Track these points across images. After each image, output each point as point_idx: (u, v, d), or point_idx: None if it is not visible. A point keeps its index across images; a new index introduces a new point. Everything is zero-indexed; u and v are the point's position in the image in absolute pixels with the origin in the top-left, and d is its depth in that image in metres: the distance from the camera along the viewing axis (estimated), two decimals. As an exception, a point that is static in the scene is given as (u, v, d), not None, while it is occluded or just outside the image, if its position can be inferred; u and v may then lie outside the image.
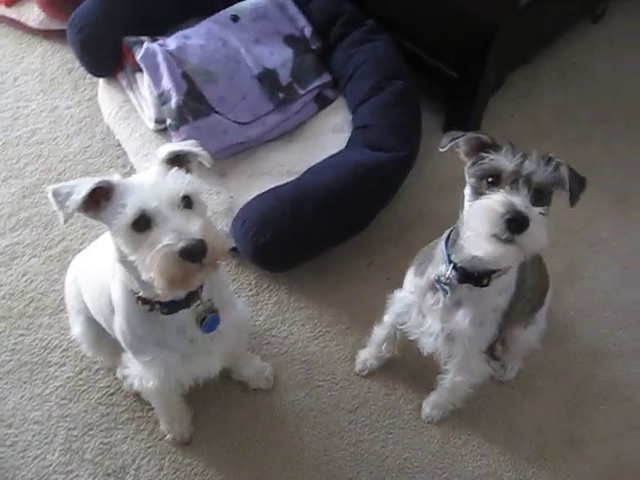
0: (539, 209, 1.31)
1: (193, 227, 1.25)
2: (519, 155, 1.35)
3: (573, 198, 1.40)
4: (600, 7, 3.23)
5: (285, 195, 2.17)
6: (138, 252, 1.27)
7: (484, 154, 1.39)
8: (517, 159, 1.34)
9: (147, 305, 1.45)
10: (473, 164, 1.43)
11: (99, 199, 1.30)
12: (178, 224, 1.24)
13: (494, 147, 1.40)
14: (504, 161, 1.35)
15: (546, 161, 1.36)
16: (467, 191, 1.44)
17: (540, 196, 1.35)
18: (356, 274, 2.36)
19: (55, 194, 1.28)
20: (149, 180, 1.32)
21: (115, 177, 1.32)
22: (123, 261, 1.35)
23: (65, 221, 1.28)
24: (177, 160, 1.42)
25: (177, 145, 1.44)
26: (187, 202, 1.31)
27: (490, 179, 1.37)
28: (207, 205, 1.43)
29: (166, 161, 1.39)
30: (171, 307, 1.46)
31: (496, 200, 1.31)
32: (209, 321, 1.53)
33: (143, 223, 1.26)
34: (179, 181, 1.31)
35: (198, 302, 1.49)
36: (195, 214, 1.31)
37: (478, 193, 1.39)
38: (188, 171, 1.43)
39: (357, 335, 2.23)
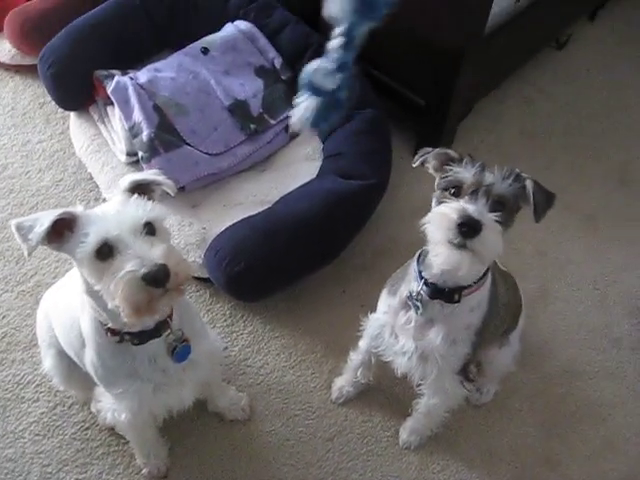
0: (494, 216, 1.34)
1: (155, 252, 1.25)
2: (477, 165, 1.40)
3: (537, 213, 1.43)
4: (565, 34, 3.31)
5: (257, 225, 2.17)
6: (102, 281, 1.27)
7: (448, 167, 1.43)
8: (476, 169, 1.39)
9: (117, 336, 1.44)
10: (441, 178, 1.47)
11: (63, 231, 1.31)
12: (140, 250, 1.25)
13: (461, 162, 1.44)
14: (465, 173, 1.40)
15: (508, 175, 1.40)
16: (433, 203, 1.48)
17: (500, 207, 1.38)
18: (330, 302, 2.37)
19: (18, 228, 1.29)
20: (111, 209, 1.32)
21: (78, 208, 1.33)
22: (90, 292, 1.35)
23: (29, 254, 1.29)
24: (140, 190, 1.43)
25: (139, 174, 1.45)
26: (150, 229, 1.32)
27: (452, 190, 1.42)
28: (170, 232, 1.44)
29: (129, 190, 1.40)
30: (141, 337, 1.45)
31: (450, 207, 1.35)
32: (180, 350, 1.52)
33: (106, 251, 1.26)
34: (140, 208, 1.32)
35: (168, 331, 1.49)
36: (158, 240, 1.31)
37: (441, 203, 1.43)
38: (151, 200, 1.43)
39: (332, 363, 2.23)
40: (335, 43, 0.85)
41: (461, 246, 1.33)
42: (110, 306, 1.30)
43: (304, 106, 0.90)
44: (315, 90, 0.86)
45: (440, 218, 1.36)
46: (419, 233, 1.43)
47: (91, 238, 1.26)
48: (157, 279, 1.23)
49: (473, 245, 1.32)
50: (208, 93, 2.50)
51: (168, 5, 2.72)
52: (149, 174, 1.47)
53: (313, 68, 0.85)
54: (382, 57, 2.68)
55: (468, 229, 1.31)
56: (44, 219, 1.28)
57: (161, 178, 1.46)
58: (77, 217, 1.30)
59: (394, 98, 2.70)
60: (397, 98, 2.70)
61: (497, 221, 1.35)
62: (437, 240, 1.38)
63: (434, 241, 1.40)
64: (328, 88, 0.84)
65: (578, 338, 2.37)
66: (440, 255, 1.40)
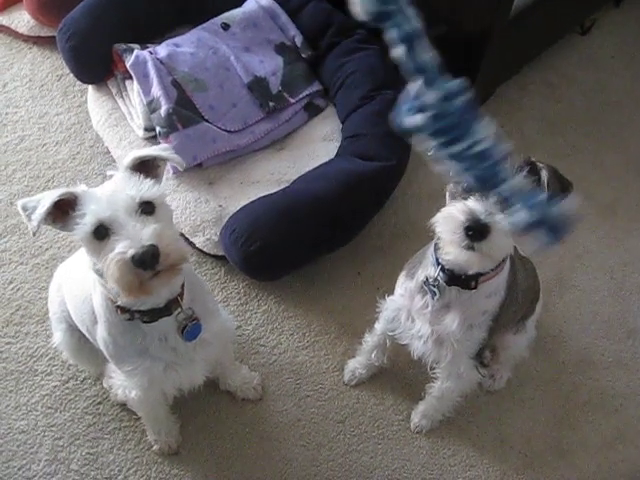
0: (505, 216, 1.32)
1: (145, 233, 1.23)
2: None
3: None
4: (589, 19, 3.25)
5: (274, 204, 2.16)
6: (101, 260, 1.27)
7: None
8: None
9: (126, 314, 1.44)
10: None
11: (67, 210, 1.30)
12: (132, 231, 1.24)
13: None
14: None
15: (522, 167, 1.38)
16: (446, 196, 1.46)
17: None
18: (345, 283, 2.36)
19: (24, 208, 1.30)
20: (108, 189, 1.32)
21: (80, 188, 1.32)
22: (95, 270, 1.34)
23: (34, 234, 1.30)
24: (145, 166, 1.41)
25: (143, 151, 1.42)
26: (148, 208, 1.30)
27: (465, 184, 1.39)
28: (172, 210, 1.42)
29: (132, 168, 1.38)
30: (151, 315, 1.45)
31: (458, 208, 1.34)
32: (190, 329, 1.52)
33: (103, 231, 1.25)
34: (135, 187, 1.30)
35: (179, 310, 1.48)
36: (153, 219, 1.30)
37: (454, 197, 1.42)
38: (157, 177, 1.42)
39: (346, 345, 2.23)
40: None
41: (469, 248, 1.33)
42: (108, 286, 1.30)
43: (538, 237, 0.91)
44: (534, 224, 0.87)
45: (448, 220, 1.35)
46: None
47: (87, 219, 1.25)
48: (145, 261, 1.22)
49: (481, 247, 1.32)
50: (227, 69, 2.48)
51: (189, -21, 2.69)
52: (153, 149, 1.45)
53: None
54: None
55: (475, 232, 1.30)
56: (46, 200, 1.28)
57: (166, 153, 1.44)
58: (78, 197, 1.30)
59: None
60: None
61: None
62: (446, 241, 1.38)
63: (444, 241, 1.40)
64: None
65: (593, 328, 2.36)
66: (449, 254, 1.41)
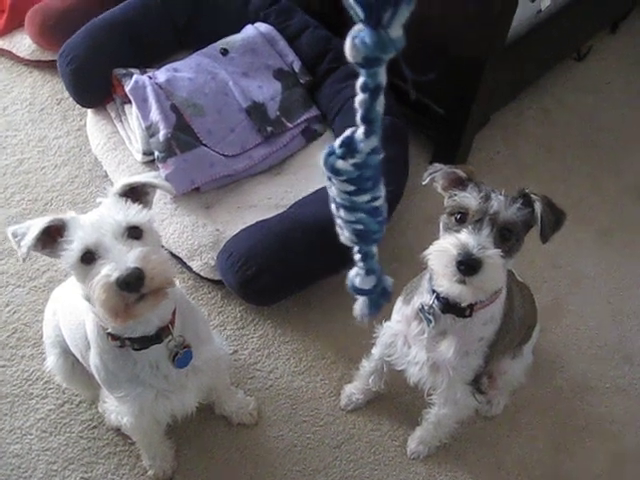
0: (497, 251, 1.34)
1: (130, 256, 1.24)
2: (482, 194, 1.39)
3: (544, 235, 1.43)
4: (585, 46, 3.28)
5: (271, 229, 2.17)
6: (87, 285, 1.27)
7: (454, 191, 1.43)
8: (480, 198, 1.38)
9: (117, 341, 1.44)
10: (448, 198, 1.46)
11: (56, 236, 1.31)
12: (118, 254, 1.24)
13: (470, 182, 1.43)
14: (470, 199, 1.39)
15: (516, 198, 1.39)
16: (440, 226, 1.47)
17: (507, 234, 1.39)
18: (342, 308, 2.34)
19: (13, 234, 1.31)
20: (96, 215, 1.33)
21: (68, 214, 1.33)
22: (84, 295, 1.34)
23: (23, 260, 1.31)
24: (135, 193, 1.43)
25: (133, 178, 1.44)
26: (136, 233, 1.31)
27: (458, 216, 1.42)
28: (160, 235, 1.43)
29: (122, 194, 1.39)
30: (141, 343, 1.45)
31: (450, 242, 1.36)
32: (182, 356, 1.51)
33: (90, 257, 1.26)
34: (122, 212, 1.31)
35: (170, 337, 1.48)
36: (141, 244, 1.30)
37: (447, 229, 1.43)
38: (146, 203, 1.43)
39: (342, 370, 2.22)
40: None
41: (461, 282, 1.35)
42: (95, 311, 1.30)
43: (358, 307, 1.00)
44: (359, 292, 0.96)
45: (441, 254, 1.37)
46: (434, 241, 1.43)
47: (74, 245, 1.26)
48: (129, 283, 1.22)
49: (472, 281, 1.34)
50: (226, 94, 2.50)
51: (189, 6, 2.72)
52: (143, 177, 1.46)
53: (352, 276, 0.95)
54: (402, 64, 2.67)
55: (467, 267, 1.32)
56: (35, 226, 1.29)
57: (156, 180, 1.45)
58: (66, 223, 1.31)
59: (413, 106, 2.69)
60: (416, 106, 2.68)
61: (501, 254, 1.35)
62: (439, 274, 1.40)
63: (436, 273, 1.42)
64: (367, 289, 0.94)
65: (590, 353, 2.35)
66: (442, 286, 1.43)
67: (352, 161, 0.81)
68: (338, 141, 0.82)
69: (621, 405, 2.24)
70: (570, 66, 3.29)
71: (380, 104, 0.76)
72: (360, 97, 0.75)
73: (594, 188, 2.83)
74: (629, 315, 2.46)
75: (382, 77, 0.73)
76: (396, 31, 0.67)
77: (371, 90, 0.75)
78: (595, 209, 2.76)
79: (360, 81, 0.74)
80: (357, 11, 0.66)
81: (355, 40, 0.69)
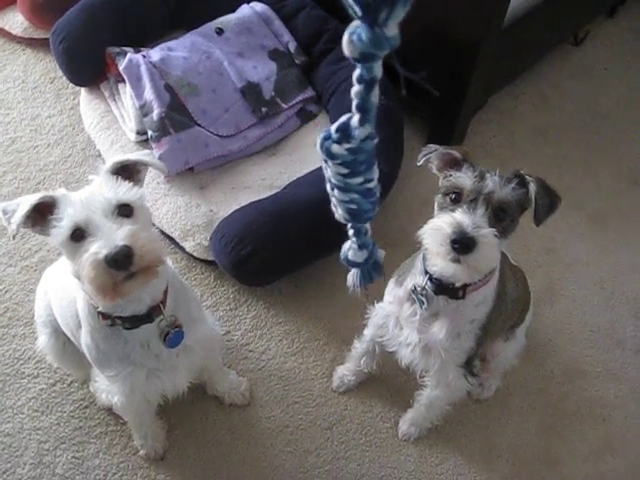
0: (492, 230, 1.35)
1: (119, 234, 1.23)
2: (477, 174, 1.39)
3: (538, 218, 1.43)
4: (582, 30, 3.27)
5: (265, 209, 2.16)
6: (77, 262, 1.26)
7: (449, 171, 1.42)
8: (475, 178, 1.38)
9: (108, 320, 1.43)
10: (443, 179, 1.46)
11: (46, 214, 1.30)
12: (107, 232, 1.23)
13: (465, 163, 1.43)
14: (465, 179, 1.40)
15: (510, 179, 1.39)
16: (435, 206, 1.46)
17: (501, 214, 1.39)
18: (335, 290, 2.35)
19: (3, 211, 1.30)
20: (86, 192, 1.32)
21: (59, 192, 1.32)
22: (74, 273, 1.33)
23: (13, 237, 1.30)
24: (126, 171, 1.42)
25: (124, 156, 1.43)
26: (126, 210, 1.31)
27: (453, 196, 1.42)
28: (151, 213, 1.43)
29: (113, 172, 1.38)
30: (132, 322, 1.44)
31: (444, 221, 1.36)
32: (172, 336, 1.51)
33: (79, 234, 1.25)
34: (113, 190, 1.31)
35: (161, 317, 1.47)
36: (132, 222, 1.30)
37: (442, 209, 1.43)
38: (138, 181, 1.43)
39: (335, 351, 2.22)
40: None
41: (456, 260, 1.35)
42: (84, 288, 1.29)
43: (350, 278, 1.05)
44: (351, 264, 1.01)
45: (435, 232, 1.37)
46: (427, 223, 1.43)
47: (64, 222, 1.25)
48: (117, 261, 1.21)
49: (467, 260, 1.34)
50: (220, 74, 2.48)
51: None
52: (135, 155, 1.45)
53: (346, 249, 0.98)
54: (400, 47, 2.66)
55: (461, 246, 1.32)
56: (25, 203, 1.28)
57: (148, 158, 1.45)
58: (57, 200, 1.30)
59: (409, 88, 2.66)
60: (412, 88, 2.66)
61: (495, 234, 1.35)
62: (433, 253, 1.40)
63: (430, 252, 1.42)
64: (360, 262, 1.00)
65: (582, 337, 2.36)
66: (436, 266, 1.43)
67: (347, 146, 0.84)
68: (334, 126, 0.84)
69: (612, 390, 2.25)
70: (567, 51, 3.27)
71: (375, 95, 0.79)
72: (356, 88, 0.78)
73: (589, 173, 2.83)
74: (622, 300, 2.46)
75: (377, 71, 0.76)
76: (392, 30, 0.70)
77: (367, 82, 0.77)
78: (590, 194, 2.76)
79: (356, 73, 0.76)
80: (355, 9, 0.68)
81: (352, 36, 0.71)
